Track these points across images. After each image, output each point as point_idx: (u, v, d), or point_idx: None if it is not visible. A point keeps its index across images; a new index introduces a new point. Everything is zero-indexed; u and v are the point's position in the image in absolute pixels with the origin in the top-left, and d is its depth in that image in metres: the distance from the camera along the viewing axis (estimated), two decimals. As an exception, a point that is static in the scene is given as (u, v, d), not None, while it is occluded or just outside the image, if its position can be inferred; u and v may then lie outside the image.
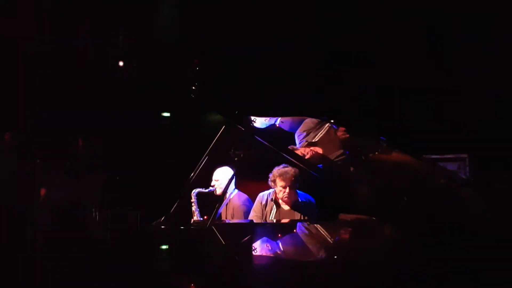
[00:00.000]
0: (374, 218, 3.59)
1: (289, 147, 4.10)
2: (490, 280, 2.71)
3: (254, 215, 4.20)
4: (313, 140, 4.10)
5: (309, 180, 4.04)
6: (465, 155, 4.89)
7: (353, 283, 2.79)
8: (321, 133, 4.11)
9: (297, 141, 4.21)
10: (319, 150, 4.08)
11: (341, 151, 4.03)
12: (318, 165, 4.05)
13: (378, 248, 3.19)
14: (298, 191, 4.17)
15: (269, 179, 4.13)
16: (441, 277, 2.74)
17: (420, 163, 3.73)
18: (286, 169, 4.06)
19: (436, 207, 3.27)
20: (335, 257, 3.21)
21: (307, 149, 4.07)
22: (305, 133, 4.17)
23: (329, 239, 3.60)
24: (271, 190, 4.25)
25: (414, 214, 3.31)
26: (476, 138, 4.80)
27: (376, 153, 3.76)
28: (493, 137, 4.75)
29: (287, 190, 4.06)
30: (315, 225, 3.89)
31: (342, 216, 3.74)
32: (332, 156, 4.05)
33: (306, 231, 3.85)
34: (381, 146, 3.71)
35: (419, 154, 3.84)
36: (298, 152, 4.07)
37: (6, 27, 5.92)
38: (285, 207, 4.16)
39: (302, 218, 4.11)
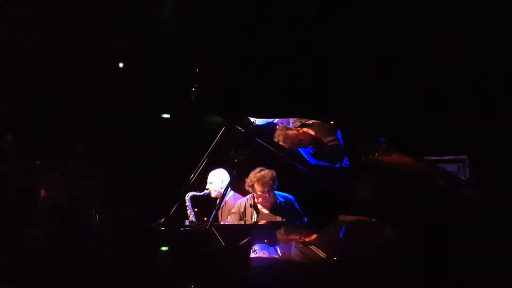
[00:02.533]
0: (374, 220, 3.60)
1: (279, 125, 4.07)
2: (490, 280, 2.71)
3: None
4: (307, 122, 4.07)
5: (307, 180, 4.03)
6: (464, 156, 4.88)
7: (353, 284, 2.79)
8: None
9: (290, 122, 4.16)
10: (312, 132, 4.04)
11: (334, 136, 4.02)
12: (308, 149, 4.02)
13: (378, 249, 3.19)
14: (275, 191, 4.14)
15: (246, 184, 4.08)
16: (441, 277, 2.74)
17: (420, 164, 3.73)
18: (263, 173, 4.02)
19: (436, 208, 3.27)
20: (335, 258, 3.22)
21: (300, 130, 4.03)
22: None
23: (328, 240, 3.60)
24: (248, 196, 4.21)
25: (414, 215, 3.31)
26: (476, 139, 4.80)
27: (376, 154, 3.75)
28: (493, 138, 4.75)
29: (266, 194, 4.03)
30: (314, 226, 3.89)
31: (342, 217, 3.74)
32: (325, 140, 4.03)
33: (306, 232, 3.85)
34: (381, 147, 3.71)
35: (419, 155, 3.84)
36: (291, 132, 4.02)
37: (6, 27, 5.92)
38: (265, 211, 4.12)
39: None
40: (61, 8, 5.91)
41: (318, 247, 3.44)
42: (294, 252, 3.45)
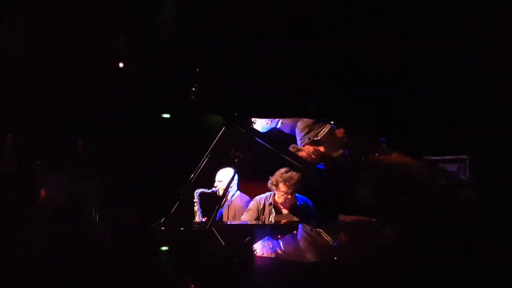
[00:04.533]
0: (374, 220, 3.60)
1: (291, 146, 4.08)
2: (490, 280, 2.71)
3: (247, 220, 4.16)
4: (315, 138, 4.06)
5: (307, 182, 4.03)
6: (465, 156, 4.87)
7: (352, 284, 2.79)
8: (323, 131, 4.07)
9: (298, 138, 4.17)
10: (322, 148, 4.05)
11: (341, 151, 4.02)
12: (319, 165, 4.04)
13: (378, 249, 3.19)
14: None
15: (270, 182, 4.09)
16: (441, 277, 2.74)
17: (420, 164, 3.73)
18: (290, 174, 4.01)
19: (436, 208, 3.27)
20: (335, 258, 3.22)
21: (311, 148, 4.04)
22: (306, 130, 4.12)
23: (329, 241, 3.60)
24: (267, 194, 4.21)
25: (414, 215, 3.31)
26: (476, 139, 4.79)
27: (376, 154, 3.75)
28: (493, 138, 4.75)
29: (289, 196, 4.03)
30: (315, 226, 3.89)
31: (342, 217, 3.74)
32: (334, 155, 4.04)
33: (306, 233, 3.85)
34: (381, 147, 3.71)
35: (419, 155, 3.84)
36: (303, 153, 4.04)
37: (6, 27, 5.92)
38: (284, 210, 4.13)
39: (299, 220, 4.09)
40: (61, 8, 5.91)
41: (319, 247, 3.45)
42: (295, 252, 3.44)
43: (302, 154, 4.02)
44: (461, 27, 4.99)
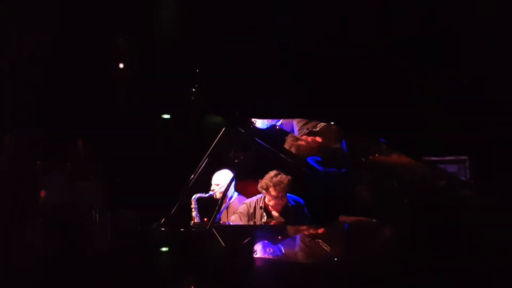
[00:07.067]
0: (374, 220, 3.60)
1: (289, 135, 4.02)
2: (490, 280, 2.72)
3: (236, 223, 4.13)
4: (314, 129, 4.01)
5: (307, 182, 4.02)
6: (465, 157, 4.88)
7: (353, 285, 2.79)
8: (322, 123, 4.02)
9: (295, 130, 4.11)
10: (320, 140, 3.99)
11: (339, 145, 4.00)
12: (317, 157, 4.01)
13: (378, 250, 3.19)
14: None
15: (260, 186, 4.02)
16: (441, 278, 2.74)
17: (420, 165, 3.73)
18: (280, 177, 3.95)
19: (436, 209, 3.27)
20: (335, 259, 3.22)
21: (310, 138, 3.98)
22: (305, 121, 4.07)
23: (329, 241, 3.60)
24: (257, 197, 4.15)
25: (414, 216, 3.31)
26: (476, 140, 4.80)
27: (376, 155, 3.75)
28: (493, 138, 4.75)
29: (280, 200, 3.99)
30: (315, 227, 3.89)
31: (343, 218, 3.74)
32: (333, 146, 4.01)
33: (306, 233, 3.85)
34: (381, 148, 3.71)
35: (419, 156, 3.84)
36: (302, 142, 4.00)
37: (5, 28, 5.93)
38: (275, 213, 4.08)
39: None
40: (60, 7, 5.92)
41: (319, 248, 3.45)
42: (295, 252, 3.44)
43: (301, 143, 3.94)
44: (462, 27, 5.00)
